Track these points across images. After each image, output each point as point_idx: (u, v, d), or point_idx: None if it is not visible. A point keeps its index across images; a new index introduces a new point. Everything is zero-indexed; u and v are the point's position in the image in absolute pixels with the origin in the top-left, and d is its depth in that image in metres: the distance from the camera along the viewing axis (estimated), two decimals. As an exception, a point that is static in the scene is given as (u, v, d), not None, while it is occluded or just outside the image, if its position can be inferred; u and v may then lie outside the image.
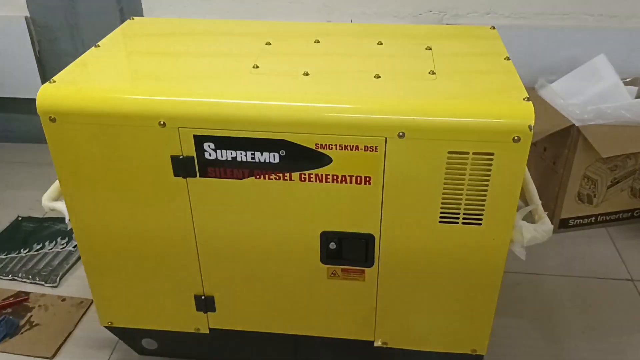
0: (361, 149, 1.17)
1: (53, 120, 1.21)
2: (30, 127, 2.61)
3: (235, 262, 1.38)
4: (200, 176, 1.25)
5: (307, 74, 1.28)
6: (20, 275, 1.90)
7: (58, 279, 1.89)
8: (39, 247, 2.04)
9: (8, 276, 1.90)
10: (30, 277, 1.89)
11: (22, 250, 2.03)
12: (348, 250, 1.31)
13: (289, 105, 1.17)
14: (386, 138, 1.15)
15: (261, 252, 1.35)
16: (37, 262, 1.97)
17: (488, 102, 1.17)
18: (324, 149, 1.18)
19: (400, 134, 1.14)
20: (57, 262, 1.97)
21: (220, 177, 1.25)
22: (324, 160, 1.19)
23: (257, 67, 1.31)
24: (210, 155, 1.22)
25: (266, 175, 1.23)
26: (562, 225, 2.13)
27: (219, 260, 1.38)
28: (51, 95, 1.21)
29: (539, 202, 1.32)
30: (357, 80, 1.26)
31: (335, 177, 1.21)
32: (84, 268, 1.44)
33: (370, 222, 1.27)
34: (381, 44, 1.44)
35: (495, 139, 1.13)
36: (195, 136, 1.20)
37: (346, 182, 1.22)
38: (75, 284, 1.89)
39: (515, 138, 1.12)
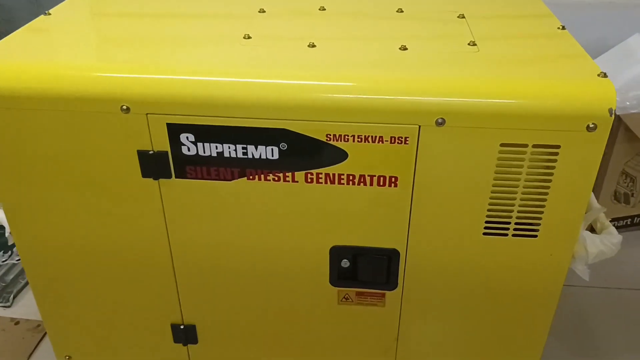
0: (386, 140, 0.90)
1: (-15, 105, 0.92)
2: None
3: (222, 284, 1.10)
4: (176, 177, 0.97)
5: (313, 45, 1.00)
6: (-36, 294, 1.61)
7: (11, 297, 1.60)
8: (-10, 258, 1.74)
9: (-48, 294, 1.60)
10: (-22, 295, 1.60)
11: (-30, 262, 1.73)
12: (365, 270, 1.04)
13: (291, 84, 0.90)
14: (420, 126, 0.88)
15: (254, 272, 1.08)
16: (-13, 278, 1.67)
17: (553, 79, 0.90)
18: (337, 140, 0.91)
19: (439, 120, 0.87)
20: (10, 277, 1.68)
21: (203, 178, 0.97)
22: (337, 155, 0.92)
23: (249, 37, 1.03)
24: (189, 150, 0.94)
25: (262, 176, 0.95)
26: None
27: (201, 282, 1.10)
28: (-20, 72, 0.92)
29: (600, 208, 1.06)
30: (378, 53, 0.98)
31: (351, 178, 0.94)
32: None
33: (395, 235, 1.00)
34: (402, 11, 1.17)
35: (562, 127, 0.87)
36: (169, 125, 0.92)
37: (365, 184, 0.94)
38: (32, 304, 1.59)
39: (590, 126, 0.85)
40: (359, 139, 0.90)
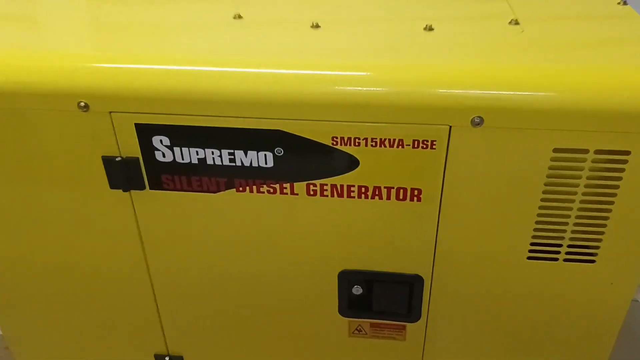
0: (407, 145, 0.72)
1: None
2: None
3: (211, 312, 0.93)
4: (150, 188, 0.80)
5: (316, 26, 0.81)
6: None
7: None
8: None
9: None
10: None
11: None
12: (382, 298, 0.86)
13: (288, 74, 0.72)
14: (450, 127, 0.70)
15: (248, 299, 0.90)
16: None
17: (619, 68, 0.70)
18: (345, 145, 0.73)
19: (476, 120, 0.68)
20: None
21: (182, 190, 0.80)
22: (346, 162, 0.74)
23: (240, 16, 0.85)
24: (164, 155, 0.77)
25: (254, 187, 0.78)
26: None
27: (186, 309, 0.93)
28: None
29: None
30: (397, 35, 0.80)
31: (363, 190, 0.76)
32: (-6, 317, 1.00)
33: (418, 258, 0.82)
34: (425, -15, 0.97)
35: (633, 129, 0.67)
36: (138, 126, 0.75)
37: (380, 198, 0.76)
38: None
39: (672, 126, 0.66)
40: (373, 143, 0.72)
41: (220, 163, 0.77)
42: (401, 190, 0.75)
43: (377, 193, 0.76)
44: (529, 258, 0.79)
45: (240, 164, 0.76)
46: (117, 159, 0.77)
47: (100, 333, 0.99)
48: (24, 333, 1.01)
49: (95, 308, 0.95)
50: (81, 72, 0.73)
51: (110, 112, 0.74)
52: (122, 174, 0.79)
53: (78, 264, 0.90)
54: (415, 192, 0.75)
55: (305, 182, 0.77)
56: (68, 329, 0.99)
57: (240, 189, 0.78)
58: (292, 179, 0.77)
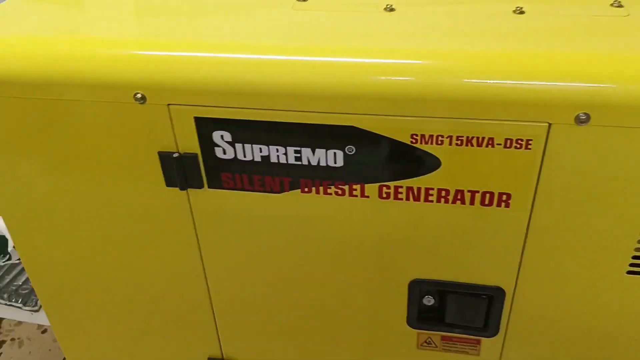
0: (498, 144, 0.63)
1: (-32, 91, 0.71)
2: None
3: (270, 318, 0.87)
4: (209, 187, 0.74)
5: (391, 9, 0.73)
6: (-9, 295, 1.46)
7: (39, 301, 1.44)
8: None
9: (-25, 295, 1.46)
10: (4, 296, 1.45)
11: (-4, 257, 1.58)
12: (456, 311, 0.79)
13: (361, 63, 0.64)
14: (550, 125, 0.61)
15: (312, 305, 0.84)
16: (15, 276, 1.52)
17: None
18: (426, 143, 0.65)
19: (581, 117, 0.59)
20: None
21: (243, 189, 0.73)
22: (426, 163, 0.66)
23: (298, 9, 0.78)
24: (225, 152, 0.71)
25: (322, 188, 0.71)
26: None
27: (243, 314, 0.88)
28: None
29: None
30: (483, 19, 0.71)
31: (443, 194, 0.68)
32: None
33: (500, 269, 0.74)
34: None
35: None
36: (197, 119, 0.69)
37: (463, 202, 0.68)
38: (61, 308, 1.43)
39: None
40: (459, 142, 0.64)
41: (285, 161, 0.70)
42: (487, 195, 0.67)
43: (459, 197, 0.68)
44: (630, 272, 0.70)
45: (306, 163, 0.70)
46: (174, 155, 0.72)
47: (153, 334, 0.95)
48: (75, 332, 0.98)
49: (149, 308, 0.91)
50: (137, 61, 0.67)
51: (169, 105, 0.68)
52: (179, 171, 0.73)
53: (131, 263, 0.85)
54: (504, 197, 0.67)
55: (377, 184, 0.69)
56: (119, 328, 0.95)
57: (306, 189, 0.71)
58: (363, 180, 0.69)
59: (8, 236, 0.89)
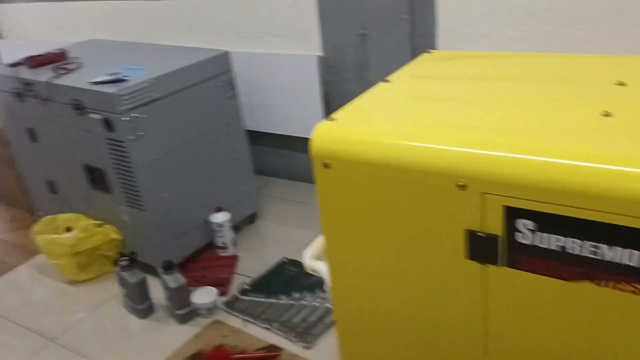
0: None
1: (326, 166, 0.97)
2: (309, 167, 2.58)
3: (538, 395, 0.94)
4: (504, 265, 0.87)
5: (700, 129, 0.80)
6: (275, 326, 1.76)
7: (313, 339, 1.69)
8: (298, 296, 1.89)
9: (264, 324, 1.78)
10: (284, 330, 1.74)
11: (281, 296, 1.90)
12: None
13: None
14: None
15: (582, 392, 0.89)
16: (294, 314, 1.81)
17: None
18: None
19: None
20: (313, 318, 1.79)
21: (537, 272, 0.85)
22: None
23: (609, 114, 0.88)
24: (525, 237, 0.83)
25: (616, 283, 0.78)
26: None
27: (512, 385, 0.96)
28: (326, 135, 0.98)
29: None
30: None
31: None
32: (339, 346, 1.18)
33: None
34: None
35: None
36: (507, 208, 0.83)
37: None
38: (330, 349, 1.66)
39: None
40: None
41: (580, 253, 0.80)
42: None
43: None
44: None
45: (601, 258, 0.78)
46: (480, 234, 0.87)
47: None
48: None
49: (428, 356, 1.05)
50: (463, 157, 0.85)
51: (484, 193, 0.84)
52: (481, 247, 0.88)
53: (422, 316, 1.01)
54: None
55: (674, 287, 0.74)
56: (394, 374, 1.11)
57: (599, 282, 0.80)
58: (659, 282, 0.75)
59: (326, 280, 1.13)
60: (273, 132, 2.53)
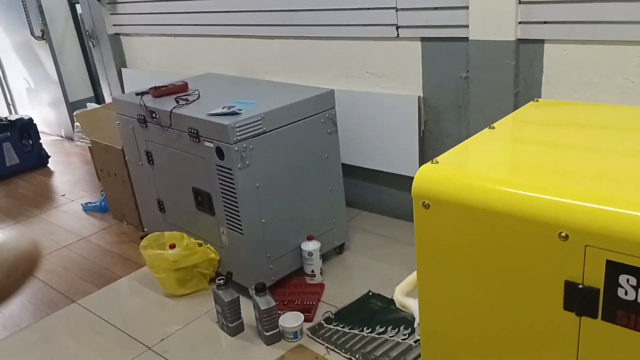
0: None
1: (426, 206, 1.02)
2: (399, 203, 2.62)
3: None
4: (602, 319, 0.87)
5: None
6: (357, 357, 1.80)
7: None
8: (381, 330, 1.93)
9: (346, 354, 1.82)
10: (366, 362, 1.77)
11: (364, 328, 1.94)
12: None
13: None
14: None
15: None
16: (375, 347, 1.85)
17: None
18: None
19: None
20: (395, 353, 1.81)
21: (635, 329, 0.84)
22: None
23: None
24: (626, 293, 0.84)
25: None
26: None
27: None
28: (429, 177, 1.03)
29: None
30: None
31: None
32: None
33: None
34: None
35: None
36: (609, 262, 0.84)
37: None
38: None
39: None
40: None
41: (685, 314, 0.79)
42: None
43: None
44: None
45: None
46: (579, 286, 0.88)
47: None
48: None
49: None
50: (568, 208, 0.87)
51: (586, 246, 0.85)
52: (579, 299, 0.88)
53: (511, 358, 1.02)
54: None
55: None
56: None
57: None
58: None
59: (416, 315, 1.16)
60: (367, 166, 2.61)
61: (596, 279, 0.86)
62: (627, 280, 0.83)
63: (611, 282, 0.85)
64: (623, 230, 0.82)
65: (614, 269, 0.84)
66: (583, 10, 1.81)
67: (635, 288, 0.83)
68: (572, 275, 0.88)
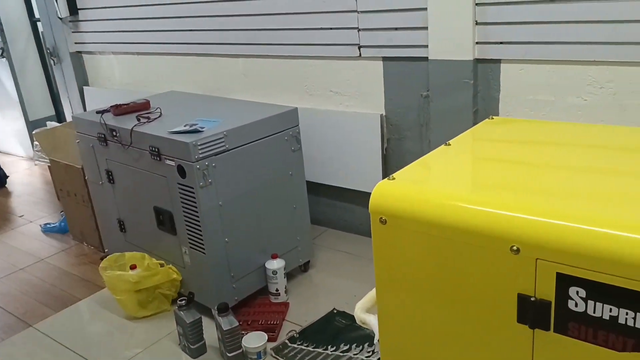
0: None
1: (383, 222, 1.03)
2: (363, 220, 2.63)
3: None
4: (555, 331, 0.89)
5: None
6: (321, 376, 1.79)
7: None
8: (345, 348, 1.92)
9: (311, 373, 1.80)
10: (330, 381, 1.76)
11: (329, 347, 1.93)
12: None
13: None
14: None
15: None
16: (342, 366, 1.83)
17: None
18: None
19: None
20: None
21: (586, 341, 0.86)
22: None
23: (664, 190, 0.91)
24: (576, 305, 0.85)
25: (667, 358, 0.79)
26: None
27: None
28: (386, 193, 1.04)
29: None
30: None
31: None
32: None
33: None
34: None
35: None
36: (559, 275, 0.86)
37: None
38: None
39: None
40: None
41: (632, 325, 0.81)
42: None
43: None
44: None
45: (654, 331, 0.79)
46: (532, 299, 0.89)
47: None
48: None
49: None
50: (519, 222, 0.89)
51: (537, 259, 0.87)
52: (532, 312, 0.90)
53: (468, 379, 1.02)
54: None
55: None
56: None
57: (650, 354, 0.80)
58: None
59: (376, 331, 1.16)
60: (331, 184, 2.62)
61: (547, 291, 0.87)
62: (577, 292, 0.85)
63: (562, 294, 0.86)
64: (572, 243, 0.83)
65: (564, 282, 0.85)
66: (538, 31, 1.88)
67: (584, 300, 0.84)
68: (524, 288, 0.90)
